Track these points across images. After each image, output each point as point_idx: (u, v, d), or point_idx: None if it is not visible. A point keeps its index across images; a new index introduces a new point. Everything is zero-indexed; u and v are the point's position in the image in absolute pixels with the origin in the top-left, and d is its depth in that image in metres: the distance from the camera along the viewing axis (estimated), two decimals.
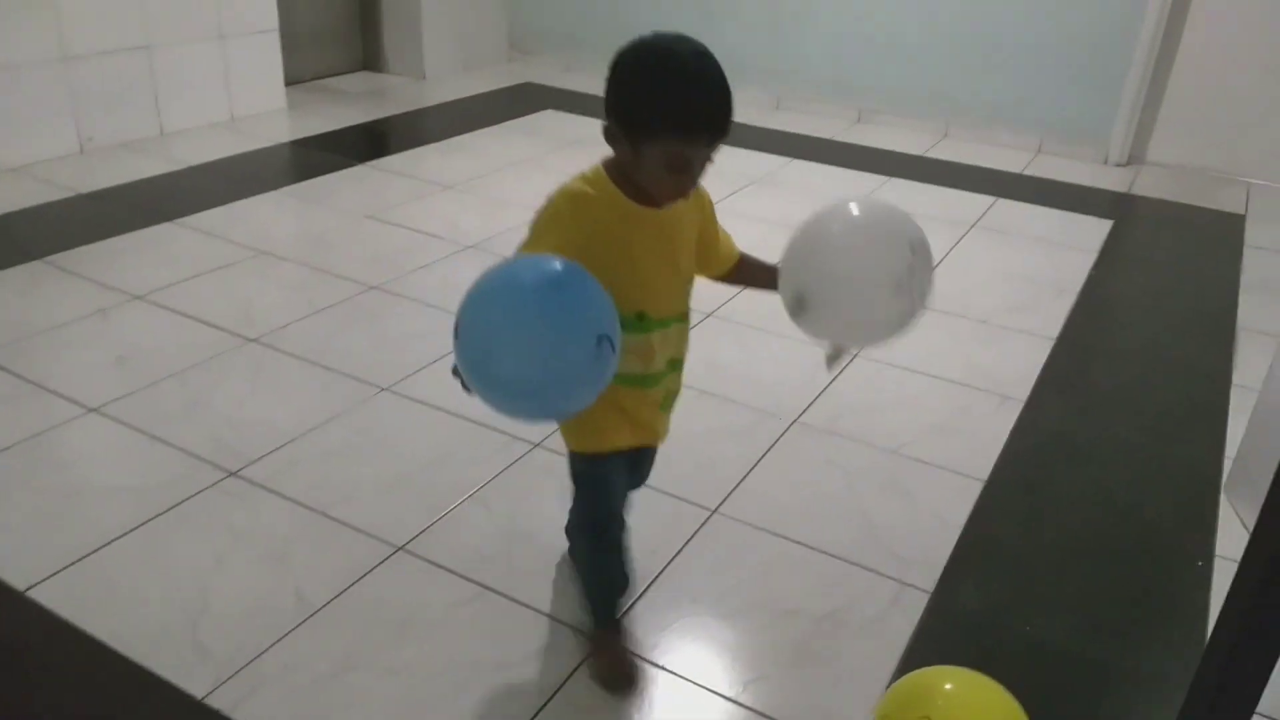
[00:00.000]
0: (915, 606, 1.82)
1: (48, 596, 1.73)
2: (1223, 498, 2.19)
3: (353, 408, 2.33)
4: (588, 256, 1.21)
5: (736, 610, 1.79)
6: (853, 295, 1.35)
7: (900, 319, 1.36)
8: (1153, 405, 2.60)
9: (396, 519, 1.96)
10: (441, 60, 5.40)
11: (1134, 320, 3.16)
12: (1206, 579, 1.93)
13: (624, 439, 1.49)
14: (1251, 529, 0.98)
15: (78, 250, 3.05)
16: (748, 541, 1.96)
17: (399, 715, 1.54)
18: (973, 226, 3.68)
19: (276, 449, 2.16)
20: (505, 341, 1.12)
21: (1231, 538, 2.05)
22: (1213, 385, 2.69)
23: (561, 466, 2.15)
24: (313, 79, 5.16)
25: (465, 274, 3.07)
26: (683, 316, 1.47)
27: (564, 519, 1.93)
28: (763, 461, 2.22)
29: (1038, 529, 2.10)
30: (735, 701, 1.60)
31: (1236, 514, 2.12)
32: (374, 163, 4.06)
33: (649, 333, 1.40)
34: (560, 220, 1.33)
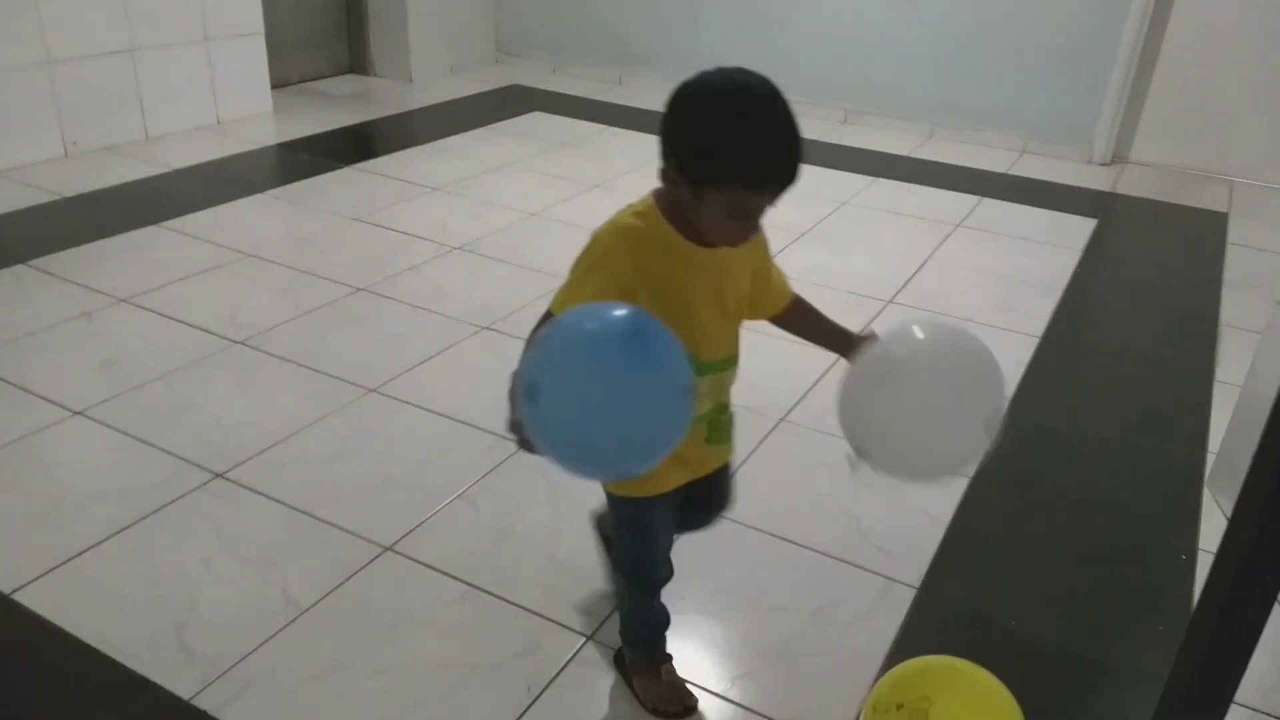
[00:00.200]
0: (902, 602, 1.83)
1: (34, 599, 1.72)
2: (1206, 492, 2.21)
3: (340, 409, 2.33)
4: (639, 298, 1.14)
5: (724, 607, 1.80)
6: (919, 471, 1.30)
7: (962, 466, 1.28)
8: (1136, 401, 2.62)
9: (384, 519, 1.96)
10: (428, 62, 5.40)
11: (1118, 318, 3.18)
12: (1190, 573, 1.94)
13: (669, 481, 1.40)
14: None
15: (63, 254, 3.03)
16: (735, 539, 1.96)
17: (387, 715, 1.54)
18: (958, 226, 3.70)
19: (263, 451, 2.16)
20: (596, 405, 1.02)
21: (1215, 532, 2.06)
22: (1196, 381, 2.71)
23: (549, 465, 2.16)
24: (299, 82, 5.15)
25: (452, 275, 3.10)
26: (732, 360, 1.38)
27: (553, 519, 1.94)
28: (749, 460, 2.22)
29: (1023, 525, 2.11)
30: (723, 697, 1.60)
31: (1220, 508, 2.14)
32: (361, 165, 4.06)
33: (699, 378, 1.26)
34: (611, 259, 1.23)
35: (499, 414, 2.37)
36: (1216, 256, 3.63)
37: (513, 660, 1.65)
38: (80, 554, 1.83)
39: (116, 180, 3.67)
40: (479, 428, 2.27)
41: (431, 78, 5.41)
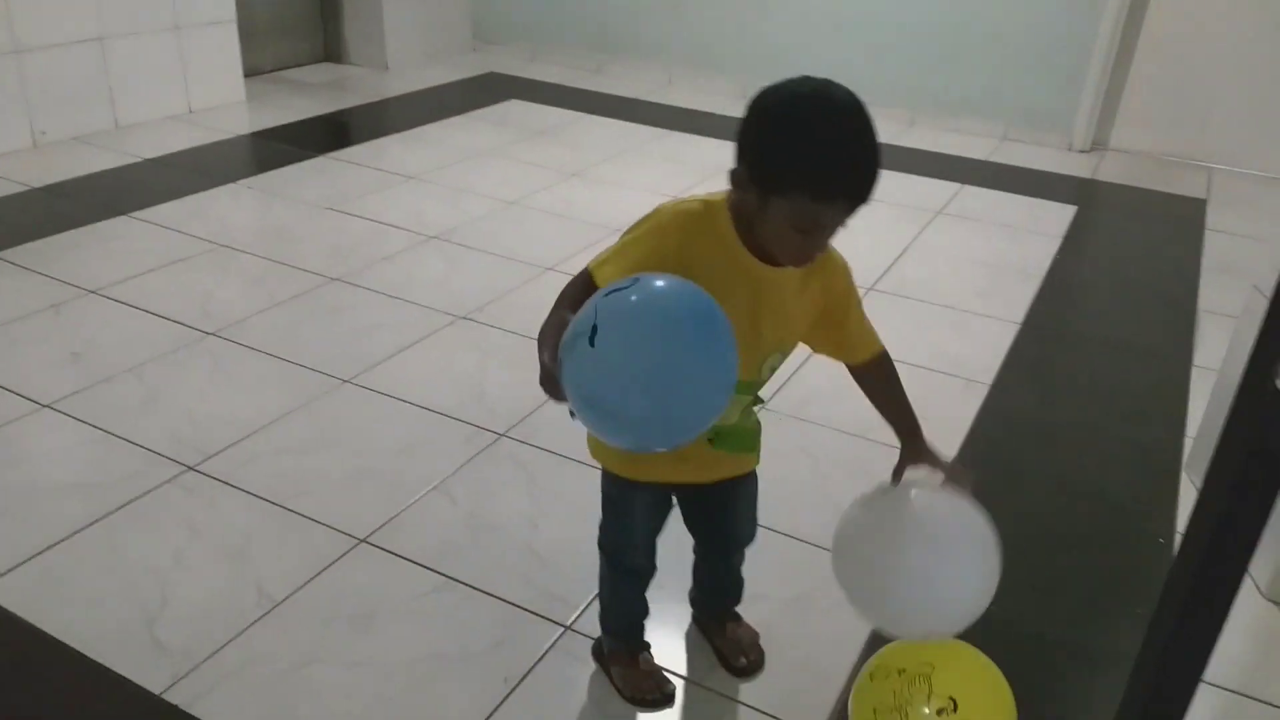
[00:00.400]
0: None
1: (2, 595, 1.69)
2: (1184, 476, 2.21)
3: (314, 400, 2.30)
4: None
5: None
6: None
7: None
8: (1115, 387, 2.62)
9: (359, 511, 1.94)
10: (404, 51, 5.34)
11: (1097, 304, 3.19)
12: (1168, 556, 1.95)
13: (655, 472, 1.37)
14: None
15: (30, 245, 2.98)
16: None
17: (362, 708, 1.52)
18: (939, 213, 3.70)
19: (236, 443, 2.12)
20: (648, 367, 1.00)
21: None
22: (1174, 366, 2.72)
23: (526, 455, 2.15)
24: (273, 70, 5.09)
25: (428, 264, 3.07)
26: (748, 389, 1.31)
27: (530, 509, 1.92)
28: None
29: (1003, 510, 2.09)
30: (702, 685, 1.59)
31: (1197, 492, 2.14)
32: (335, 154, 4.01)
33: None
34: (661, 234, 1.20)
35: (475, 404, 2.36)
36: (1195, 243, 3.64)
37: (489, 651, 1.63)
38: (49, 548, 1.80)
39: (86, 170, 3.61)
40: (455, 418, 2.24)
41: (408, 65, 5.35)
